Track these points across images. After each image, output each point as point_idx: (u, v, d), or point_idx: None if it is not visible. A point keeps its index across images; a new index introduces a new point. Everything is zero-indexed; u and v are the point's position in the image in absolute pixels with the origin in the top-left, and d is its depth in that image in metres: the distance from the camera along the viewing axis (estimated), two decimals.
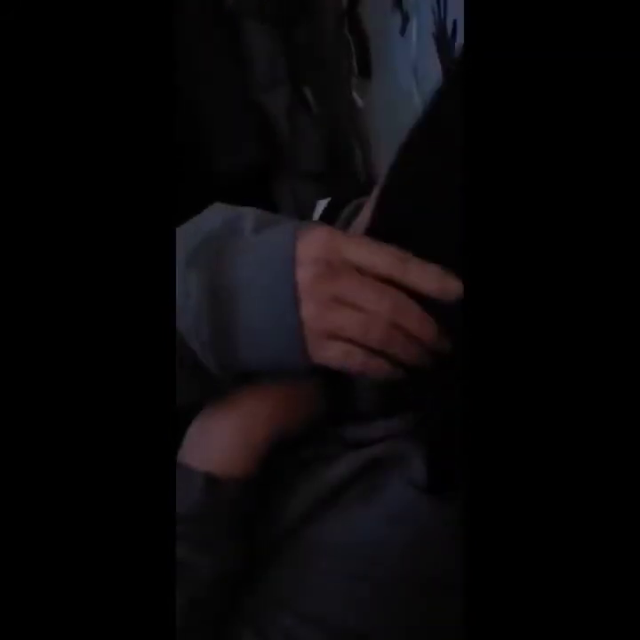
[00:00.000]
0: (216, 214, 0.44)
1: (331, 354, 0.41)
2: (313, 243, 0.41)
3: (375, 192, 0.47)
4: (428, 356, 0.42)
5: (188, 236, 0.42)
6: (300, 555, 0.43)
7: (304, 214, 0.74)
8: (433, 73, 1.01)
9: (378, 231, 0.44)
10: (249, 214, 0.43)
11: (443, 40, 0.95)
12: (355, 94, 1.32)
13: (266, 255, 0.41)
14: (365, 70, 1.21)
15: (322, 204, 0.63)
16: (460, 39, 0.85)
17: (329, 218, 0.58)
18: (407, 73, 1.04)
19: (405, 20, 1.01)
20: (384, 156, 1.26)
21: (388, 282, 0.41)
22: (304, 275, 0.40)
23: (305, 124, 1.16)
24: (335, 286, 0.40)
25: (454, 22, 0.83)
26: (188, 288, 0.39)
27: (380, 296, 0.40)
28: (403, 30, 1.03)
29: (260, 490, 0.45)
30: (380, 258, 0.41)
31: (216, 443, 0.43)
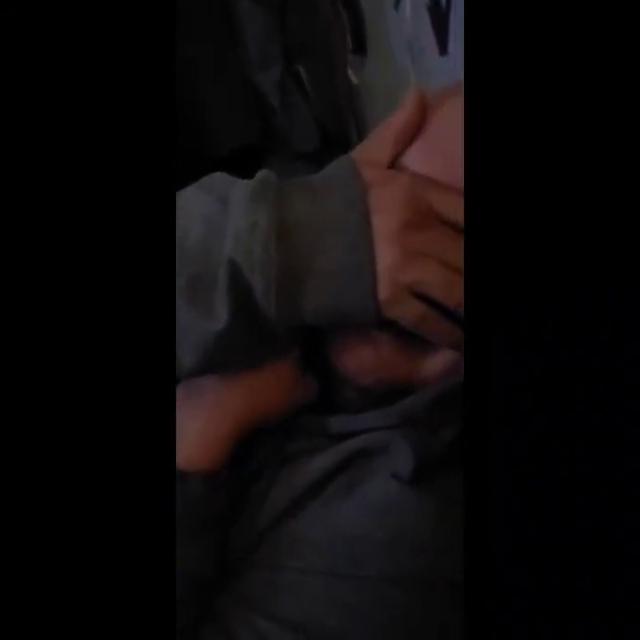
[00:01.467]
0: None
1: (406, 311, 0.38)
2: (397, 189, 0.38)
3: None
4: None
5: (227, 183, 0.39)
6: (278, 553, 0.41)
7: None
8: (429, 49, 1.00)
9: None
10: None
11: (437, 13, 0.93)
12: (350, 71, 1.30)
13: (338, 198, 0.38)
14: (360, 47, 1.20)
15: None
16: (455, 11, 0.84)
17: None
18: (402, 49, 1.02)
19: None
20: None
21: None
22: (388, 222, 0.37)
23: (298, 102, 1.14)
24: (422, 237, 0.37)
25: None
26: (256, 219, 0.36)
27: None
28: (397, 5, 1.01)
29: (239, 485, 0.43)
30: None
31: (182, 435, 0.41)
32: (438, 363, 0.42)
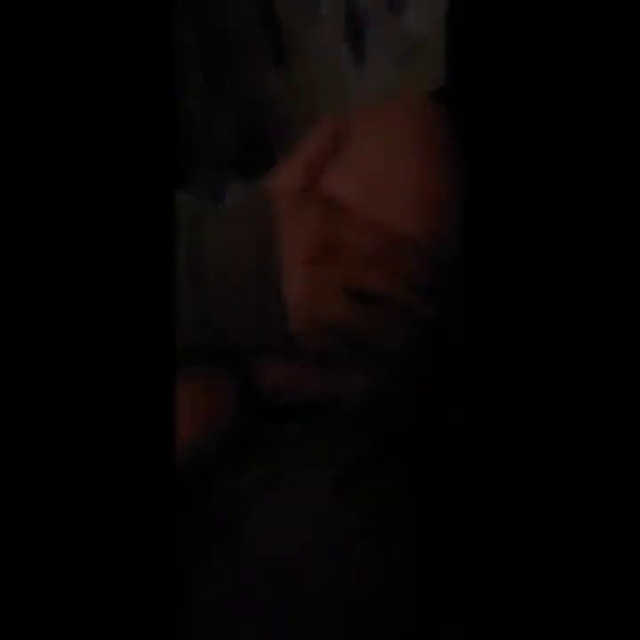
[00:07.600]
0: None
1: (314, 342, 0.41)
2: (305, 220, 0.41)
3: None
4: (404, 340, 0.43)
5: None
6: (210, 576, 0.41)
7: (218, 199, 0.74)
8: (346, 62, 1.03)
9: None
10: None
11: (354, 27, 0.96)
12: (272, 79, 1.32)
13: (246, 228, 0.40)
14: (281, 55, 1.21)
15: (235, 189, 0.63)
16: (371, 19, 0.87)
17: None
18: (321, 62, 1.05)
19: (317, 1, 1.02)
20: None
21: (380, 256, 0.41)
22: (295, 255, 0.40)
23: (219, 109, 1.15)
24: (329, 270, 0.40)
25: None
26: None
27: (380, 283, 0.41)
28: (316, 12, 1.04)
29: None
30: (373, 236, 0.41)
31: None
32: (354, 378, 0.45)
